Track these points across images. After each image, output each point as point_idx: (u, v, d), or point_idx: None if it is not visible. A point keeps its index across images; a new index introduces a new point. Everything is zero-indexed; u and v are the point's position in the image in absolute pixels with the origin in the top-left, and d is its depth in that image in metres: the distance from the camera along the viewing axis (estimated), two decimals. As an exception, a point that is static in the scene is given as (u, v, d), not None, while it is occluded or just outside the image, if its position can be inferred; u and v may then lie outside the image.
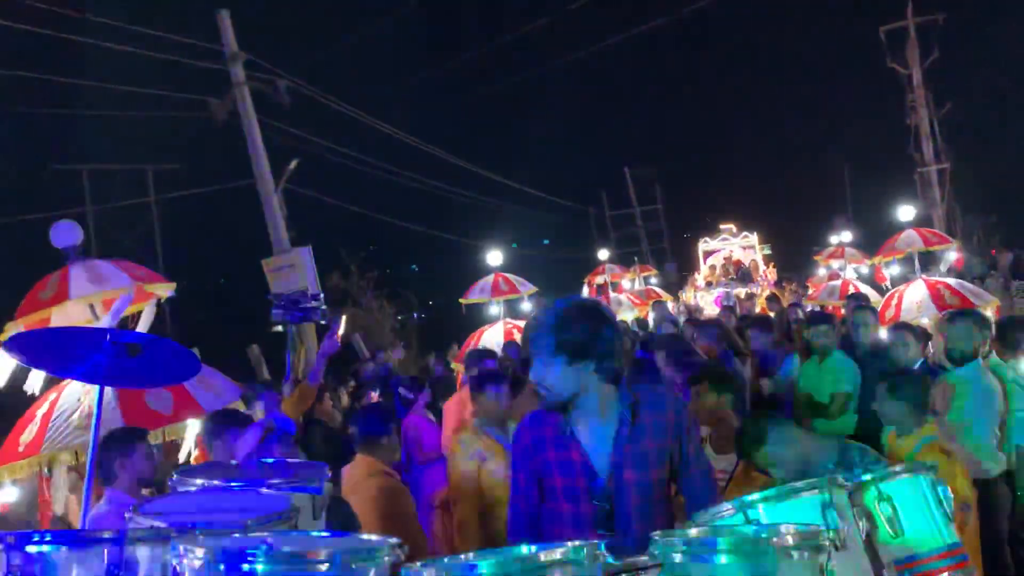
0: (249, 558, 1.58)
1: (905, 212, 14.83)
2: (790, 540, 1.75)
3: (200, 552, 1.60)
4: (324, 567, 1.59)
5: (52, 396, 5.76)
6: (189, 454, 6.04)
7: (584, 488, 2.82)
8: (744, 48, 59.16)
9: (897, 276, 14.20)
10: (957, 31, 25.92)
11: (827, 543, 1.80)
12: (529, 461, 2.94)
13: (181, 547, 1.64)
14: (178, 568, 1.68)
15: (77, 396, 5.62)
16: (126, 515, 2.73)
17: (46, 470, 5.75)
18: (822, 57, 50.50)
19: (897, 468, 2.27)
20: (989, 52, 34.22)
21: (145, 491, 4.31)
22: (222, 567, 1.57)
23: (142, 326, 6.66)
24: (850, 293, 13.77)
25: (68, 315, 6.32)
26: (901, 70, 25.14)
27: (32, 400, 5.99)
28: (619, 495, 2.80)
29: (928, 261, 14.56)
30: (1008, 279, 14.43)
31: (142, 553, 2.09)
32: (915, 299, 9.70)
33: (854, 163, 39.94)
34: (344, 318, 10.37)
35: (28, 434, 5.63)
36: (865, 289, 15.70)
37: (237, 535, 1.92)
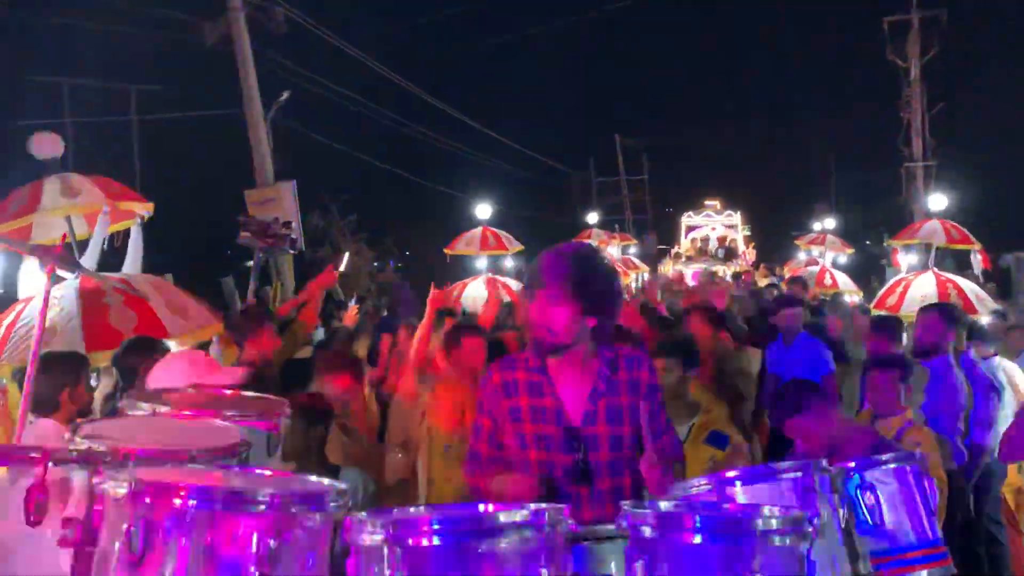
0: (180, 493, 1.44)
1: (936, 201, 14.60)
2: (774, 523, 1.59)
3: (123, 480, 1.45)
4: (262, 508, 1.44)
5: (20, 306, 5.59)
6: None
7: (556, 436, 2.75)
8: (746, 29, 58.74)
9: (915, 264, 13.92)
10: (957, 30, 25.70)
11: (811, 530, 1.63)
12: (497, 405, 2.85)
13: (107, 474, 1.49)
14: (104, 496, 1.54)
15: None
16: (64, 436, 2.60)
17: (3, 380, 5.60)
18: (821, 45, 50.18)
19: (884, 456, 2.16)
20: (985, 54, 34.15)
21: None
22: (148, 500, 1.43)
23: (132, 247, 6.55)
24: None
25: (47, 226, 6.36)
26: (900, 63, 24.96)
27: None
28: (591, 447, 2.74)
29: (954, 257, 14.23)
30: (981, 282, 14.45)
31: (77, 478, 1.96)
32: (920, 292, 9.53)
33: (841, 152, 39.90)
34: (347, 255, 10.20)
35: (-7, 344, 5.46)
36: (842, 277, 15.77)
37: (172, 467, 1.77)
